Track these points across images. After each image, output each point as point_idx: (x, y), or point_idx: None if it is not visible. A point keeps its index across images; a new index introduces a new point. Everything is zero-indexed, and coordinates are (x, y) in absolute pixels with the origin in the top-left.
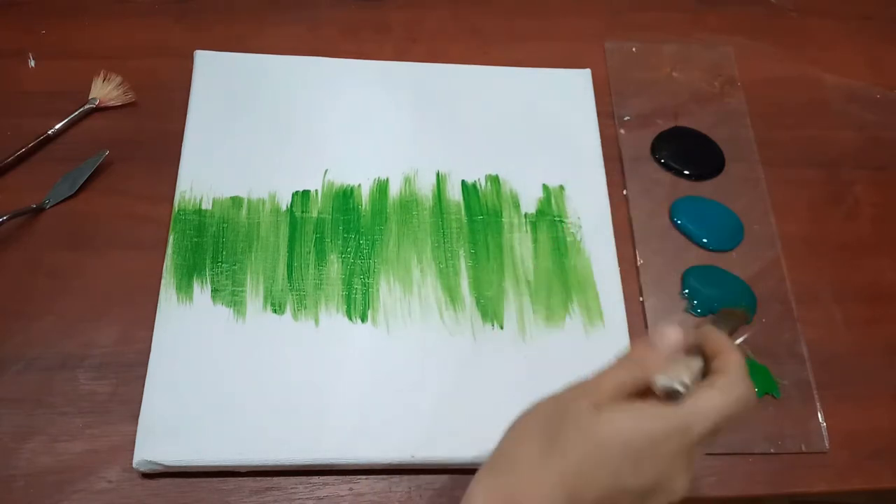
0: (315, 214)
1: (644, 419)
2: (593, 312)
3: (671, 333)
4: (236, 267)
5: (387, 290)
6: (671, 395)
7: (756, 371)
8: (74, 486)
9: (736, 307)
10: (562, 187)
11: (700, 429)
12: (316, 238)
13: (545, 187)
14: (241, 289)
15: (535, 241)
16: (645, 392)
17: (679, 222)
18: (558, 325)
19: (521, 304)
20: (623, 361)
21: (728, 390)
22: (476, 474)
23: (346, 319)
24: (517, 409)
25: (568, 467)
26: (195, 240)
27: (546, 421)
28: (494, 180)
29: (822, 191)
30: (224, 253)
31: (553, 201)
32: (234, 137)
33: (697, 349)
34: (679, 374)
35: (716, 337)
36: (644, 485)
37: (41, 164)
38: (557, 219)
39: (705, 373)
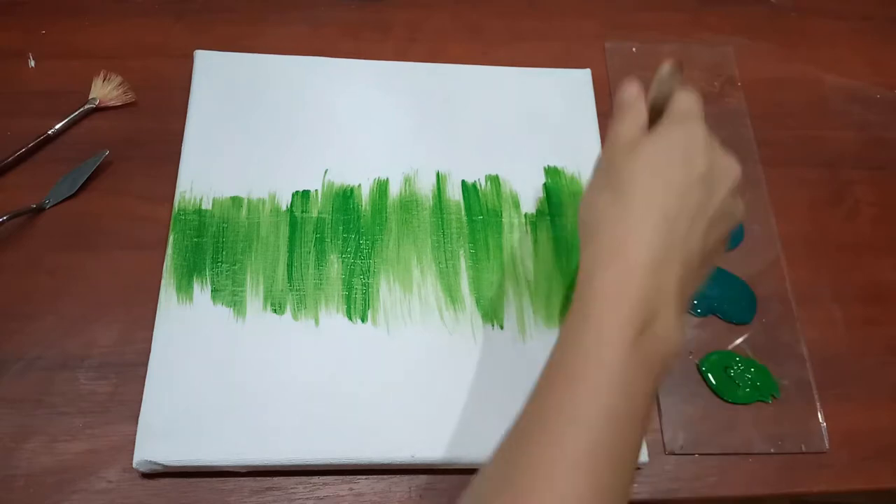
0: (315, 214)
1: (667, 127)
2: None
3: (633, 83)
4: (236, 267)
5: (387, 290)
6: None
7: (756, 371)
8: (74, 485)
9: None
10: (562, 187)
11: (694, 108)
12: (316, 238)
13: (545, 187)
14: (241, 289)
15: (535, 241)
16: None
17: None
18: (558, 326)
19: (521, 304)
20: (623, 111)
21: (689, 89)
22: (580, 260)
23: (346, 319)
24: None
25: (640, 196)
26: (195, 240)
27: (604, 183)
28: (494, 180)
29: (823, 191)
30: (224, 253)
31: (553, 201)
32: (234, 137)
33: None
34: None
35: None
36: (705, 168)
37: (41, 164)
38: (557, 219)
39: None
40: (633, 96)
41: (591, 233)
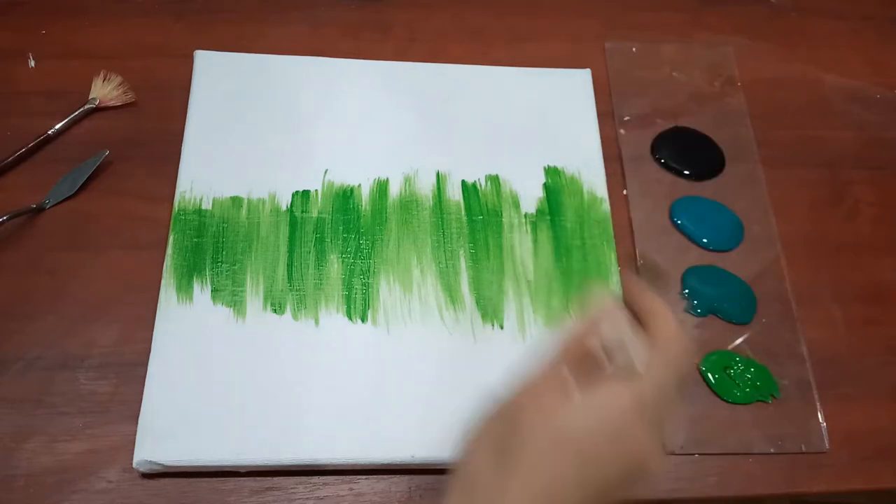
0: (315, 214)
1: (600, 400)
2: None
3: (610, 311)
4: (236, 267)
5: (387, 290)
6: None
7: (756, 371)
8: (74, 485)
9: (657, 264)
10: (562, 187)
11: (652, 393)
12: (316, 238)
13: (545, 187)
14: (241, 289)
15: (535, 241)
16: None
17: (679, 222)
18: (558, 326)
19: (521, 304)
20: (570, 339)
21: (668, 347)
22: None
23: (346, 319)
24: None
25: (529, 484)
26: (195, 240)
27: (496, 431)
28: (494, 180)
29: (823, 191)
30: (224, 253)
31: (553, 201)
32: (234, 137)
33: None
34: (614, 350)
35: (639, 291)
36: (619, 476)
37: (41, 164)
38: (557, 219)
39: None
40: (585, 332)
41: (462, 488)
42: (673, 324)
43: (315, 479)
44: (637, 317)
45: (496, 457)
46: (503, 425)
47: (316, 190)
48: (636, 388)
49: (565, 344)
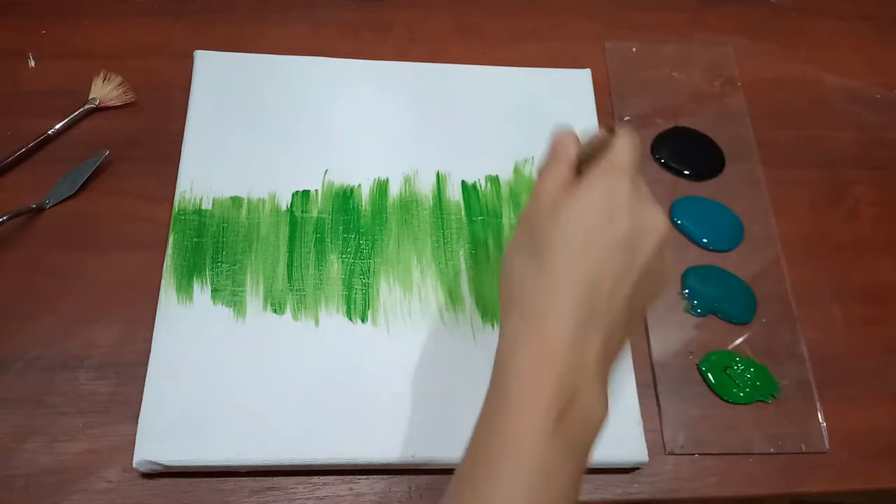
0: (315, 214)
1: (588, 184)
2: None
3: (568, 132)
4: (236, 267)
5: (387, 291)
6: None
7: (756, 371)
8: (74, 485)
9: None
10: None
11: (625, 159)
12: (316, 238)
13: None
14: (241, 289)
15: None
16: None
17: (679, 222)
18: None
19: None
20: (553, 159)
21: (623, 135)
22: (501, 330)
23: (346, 320)
24: None
25: (559, 263)
26: (195, 240)
27: (525, 244)
28: (494, 180)
29: (823, 191)
30: (224, 253)
31: None
32: (234, 137)
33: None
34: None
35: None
36: (627, 230)
37: (41, 164)
38: None
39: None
40: (564, 145)
41: (511, 302)
42: (623, 128)
43: (315, 478)
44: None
45: (532, 262)
46: (528, 234)
47: (316, 190)
48: (616, 172)
49: (551, 160)
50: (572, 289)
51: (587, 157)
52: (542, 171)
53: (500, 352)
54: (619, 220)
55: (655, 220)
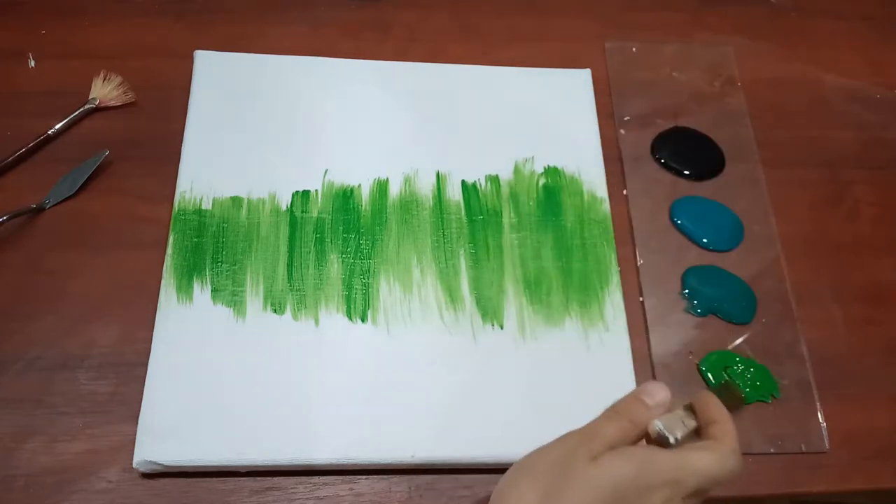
0: (315, 214)
1: (639, 464)
2: (593, 312)
3: (660, 390)
4: (236, 267)
5: (387, 290)
6: (661, 443)
7: (756, 371)
8: (74, 485)
9: (738, 388)
10: (562, 187)
11: (691, 484)
12: (316, 238)
13: (545, 187)
14: (241, 289)
15: (535, 241)
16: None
17: (679, 222)
18: (558, 325)
19: (520, 304)
20: (615, 415)
21: (724, 458)
22: None
23: (346, 319)
24: (517, 408)
25: None
26: (195, 240)
27: (544, 475)
28: (494, 180)
29: (822, 191)
30: (224, 253)
31: (553, 201)
32: (234, 137)
33: (692, 410)
34: (674, 427)
35: (716, 406)
36: None
37: (41, 164)
38: (557, 219)
39: (698, 434)
40: (655, 404)
41: None
42: (735, 438)
43: (315, 478)
44: (698, 416)
45: (542, 496)
46: (555, 468)
47: (316, 190)
48: (677, 469)
49: (623, 414)
50: None
51: (662, 435)
52: (603, 417)
53: None
54: None
55: None
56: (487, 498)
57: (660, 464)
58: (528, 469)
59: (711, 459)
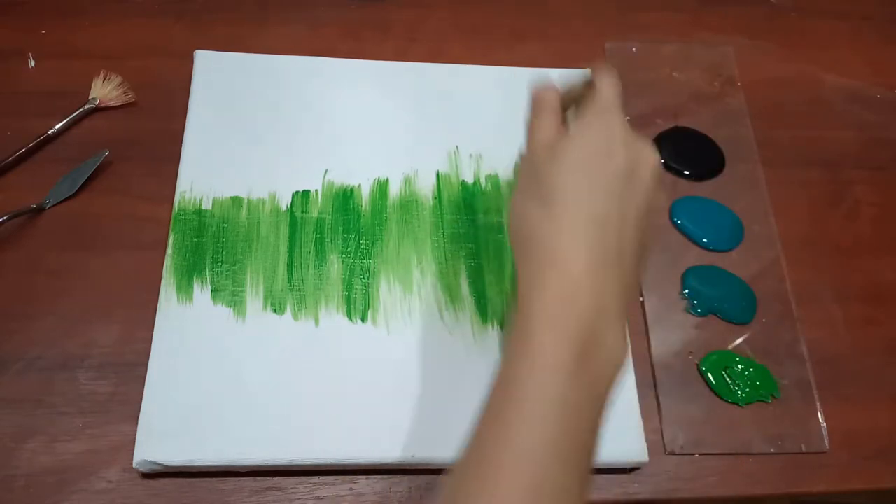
0: (315, 214)
1: (582, 123)
2: None
3: (548, 83)
4: (236, 267)
5: (387, 291)
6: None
7: (756, 371)
8: (74, 485)
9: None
10: None
11: (611, 98)
12: (316, 238)
13: None
14: (241, 289)
15: None
16: None
17: (679, 222)
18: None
19: None
20: (539, 112)
21: (602, 76)
22: (517, 277)
23: (346, 319)
24: None
25: (568, 203)
26: (195, 240)
27: (530, 190)
28: (494, 180)
29: (823, 191)
30: (224, 253)
31: None
32: (234, 137)
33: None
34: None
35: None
36: (628, 162)
37: (41, 164)
38: None
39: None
40: (548, 95)
41: (525, 247)
42: (601, 69)
43: (315, 478)
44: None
45: (541, 205)
46: (531, 182)
47: (316, 190)
48: (607, 110)
49: (538, 112)
50: (584, 228)
51: (569, 104)
52: (532, 124)
53: (519, 296)
54: (617, 154)
55: (647, 151)
56: None
57: (592, 112)
58: (520, 199)
59: (602, 80)
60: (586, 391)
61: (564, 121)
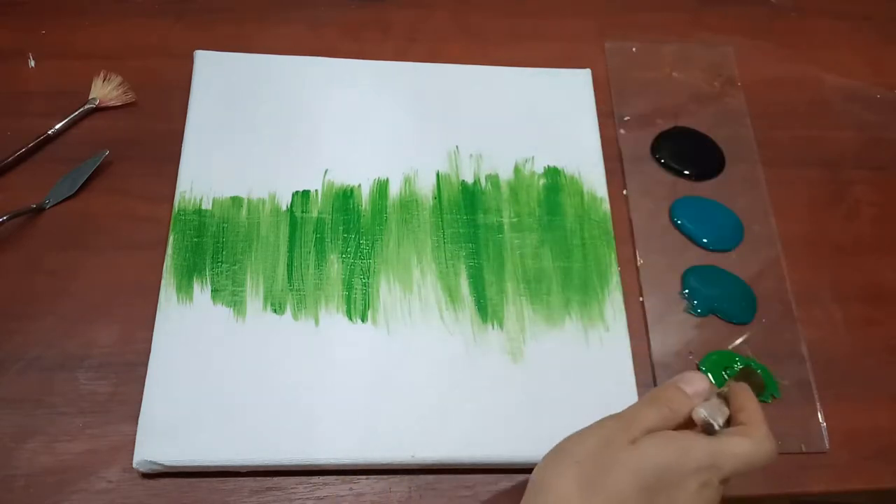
0: (315, 214)
1: (679, 448)
2: (593, 313)
3: (699, 380)
4: (236, 267)
5: (387, 290)
6: (706, 430)
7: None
8: (74, 485)
9: (758, 372)
10: (562, 187)
11: (728, 468)
12: (316, 238)
13: (545, 187)
14: (241, 289)
15: (535, 241)
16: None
17: (679, 222)
18: (558, 326)
19: (520, 304)
20: (654, 401)
21: (760, 443)
22: None
23: (346, 319)
24: (517, 408)
25: (609, 499)
26: (195, 240)
27: (584, 460)
28: (494, 180)
29: (823, 191)
30: (224, 253)
31: (553, 201)
32: (234, 137)
33: (724, 398)
34: (715, 414)
35: (746, 392)
36: None
37: (41, 163)
38: (557, 219)
39: (728, 422)
40: (701, 385)
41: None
42: (765, 422)
43: (315, 478)
44: (730, 407)
45: (582, 481)
46: (595, 452)
47: (316, 190)
48: (716, 453)
49: (663, 401)
50: None
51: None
52: (647, 400)
53: None
54: (676, 500)
55: None
56: (488, 498)
57: (699, 448)
58: (567, 454)
59: (748, 444)
60: None
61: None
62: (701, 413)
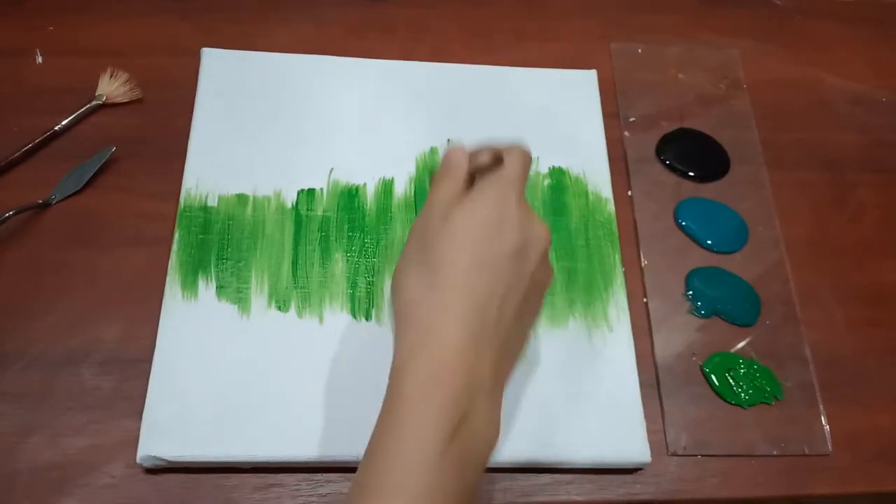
0: (320, 213)
1: (479, 195)
2: (597, 313)
3: (459, 147)
4: (241, 264)
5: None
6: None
7: (760, 373)
8: (78, 481)
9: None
10: (567, 187)
11: (515, 173)
12: (321, 236)
13: (550, 187)
14: (245, 286)
15: None
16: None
17: (683, 224)
18: (562, 326)
19: None
20: (445, 172)
21: (514, 149)
22: (395, 347)
23: (350, 318)
24: (519, 408)
25: (450, 276)
26: (200, 237)
27: (416, 254)
28: None
29: (827, 193)
30: (229, 250)
31: (558, 202)
32: (239, 135)
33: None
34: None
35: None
36: (517, 242)
37: (47, 159)
38: (562, 219)
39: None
40: (457, 158)
41: (403, 316)
42: (514, 143)
43: (318, 475)
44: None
45: (423, 273)
46: (419, 245)
47: (321, 188)
48: (505, 183)
49: (443, 172)
50: (464, 303)
51: (479, 171)
52: (435, 182)
53: (393, 367)
54: (508, 232)
55: (540, 231)
56: (488, 496)
57: (490, 184)
58: (400, 267)
59: (511, 152)
60: (454, 473)
61: (470, 186)
62: (474, 161)
